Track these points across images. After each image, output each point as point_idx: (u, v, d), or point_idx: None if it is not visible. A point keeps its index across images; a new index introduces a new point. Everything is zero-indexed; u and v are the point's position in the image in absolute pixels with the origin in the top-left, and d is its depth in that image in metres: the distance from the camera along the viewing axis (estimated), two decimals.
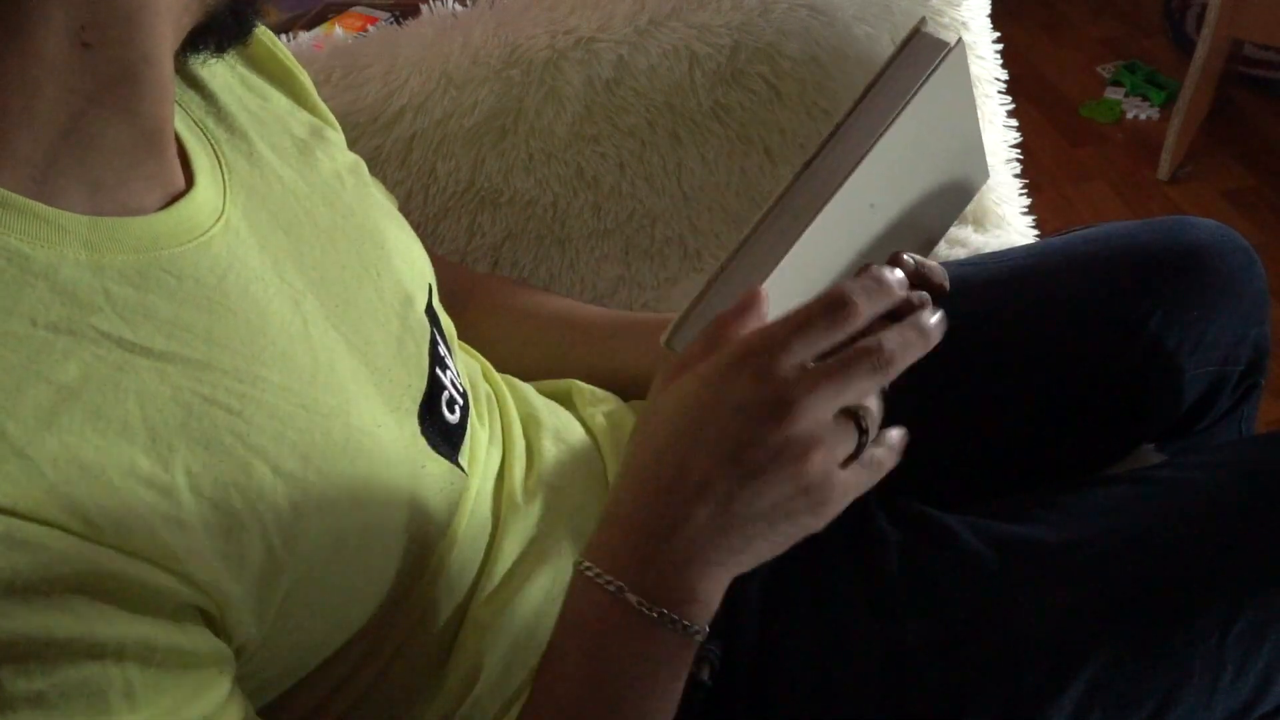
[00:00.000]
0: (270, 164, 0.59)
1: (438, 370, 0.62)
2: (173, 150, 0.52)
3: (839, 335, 0.48)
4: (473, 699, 0.60)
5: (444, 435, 0.60)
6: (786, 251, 0.52)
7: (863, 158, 0.53)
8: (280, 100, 0.65)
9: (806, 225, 0.52)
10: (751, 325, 0.49)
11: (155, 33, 0.46)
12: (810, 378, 0.46)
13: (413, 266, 0.66)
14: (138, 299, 0.46)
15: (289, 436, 0.49)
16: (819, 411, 0.47)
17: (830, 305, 0.47)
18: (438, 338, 0.64)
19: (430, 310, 0.65)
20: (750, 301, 0.49)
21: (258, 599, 0.47)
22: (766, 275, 0.51)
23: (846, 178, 0.53)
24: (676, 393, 0.49)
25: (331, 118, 0.70)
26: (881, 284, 0.49)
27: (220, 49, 0.54)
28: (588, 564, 0.50)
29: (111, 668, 0.41)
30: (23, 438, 0.40)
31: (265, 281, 0.52)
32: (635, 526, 0.49)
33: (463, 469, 0.61)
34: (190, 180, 0.52)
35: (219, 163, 0.55)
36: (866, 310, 0.48)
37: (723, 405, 0.47)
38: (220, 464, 0.46)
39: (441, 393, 0.61)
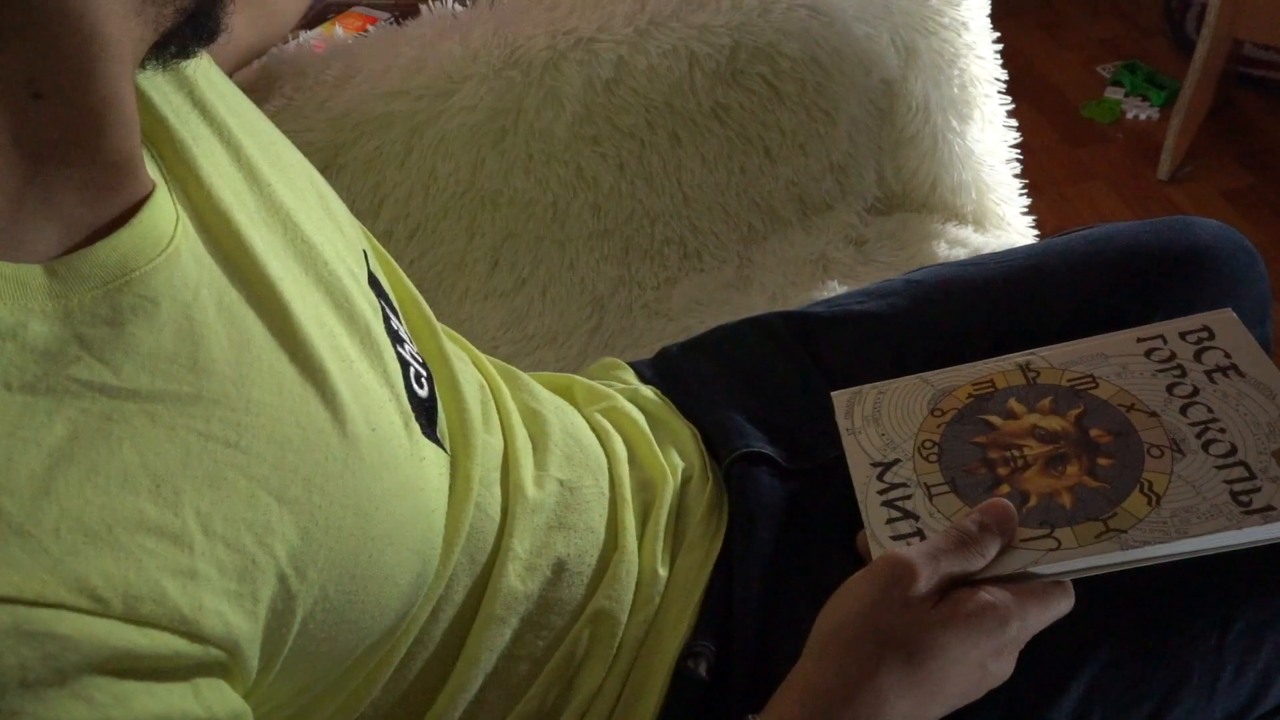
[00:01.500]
0: (203, 151, 0.55)
1: (398, 347, 0.60)
2: (143, 169, 0.49)
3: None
4: (479, 691, 0.60)
5: (423, 412, 0.59)
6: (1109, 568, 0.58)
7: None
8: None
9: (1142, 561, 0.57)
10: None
11: (111, 72, 0.44)
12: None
13: (344, 231, 0.62)
14: (114, 336, 0.44)
15: (289, 460, 0.48)
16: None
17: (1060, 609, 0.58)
18: (387, 311, 0.62)
19: (373, 281, 0.62)
20: (1059, 596, 0.57)
21: (272, 633, 0.46)
22: (1080, 573, 0.58)
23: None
24: (951, 628, 0.55)
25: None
26: None
27: (184, 54, 0.50)
28: None
29: None
30: (20, 513, 0.39)
31: (235, 290, 0.50)
32: (823, 691, 0.55)
33: (443, 446, 0.60)
34: (150, 185, 0.50)
35: (158, 162, 0.52)
36: None
37: (974, 656, 0.55)
38: (227, 500, 0.45)
39: (409, 369, 0.60)
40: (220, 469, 0.45)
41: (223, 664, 0.44)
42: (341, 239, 0.61)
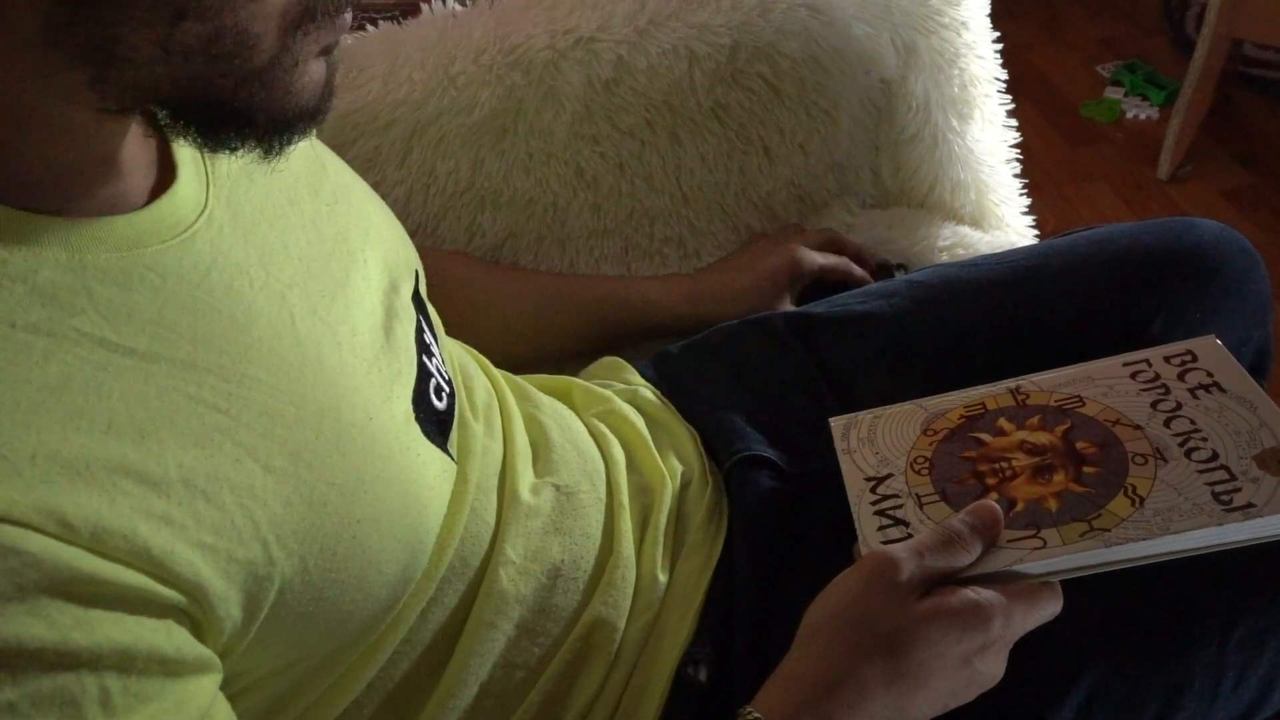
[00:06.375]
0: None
1: (424, 358, 0.62)
2: (132, 169, 0.50)
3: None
4: (475, 699, 0.60)
5: (435, 423, 0.60)
6: (1097, 568, 0.58)
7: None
8: None
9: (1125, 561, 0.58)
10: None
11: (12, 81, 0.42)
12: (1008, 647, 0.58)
13: (398, 252, 0.65)
14: (121, 298, 0.46)
15: (278, 434, 0.49)
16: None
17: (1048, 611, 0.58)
18: (423, 324, 0.64)
19: (416, 296, 0.65)
20: (1047, 598, 0.58)
21: (248, 597, 0.47)
22: (1067, 575, 0.59)
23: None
24: (934, 621, 0.55)
25: None
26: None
27: (212, 143, 0.47)
28: (754, 712, 0.56)
29: (87, 677, 0.40)
30: None
31: (250, 276, 0.52)
32: (810, 679, 0.56)
33: (452, 457, 0.61)
34: (174, 174, 0.52)
35: (201, 155, 0.54)
36: None
37: (957, 651, 0.56)
38: (211, 459, 0.46)
39: (429, 380, 0.61)
40: (208, 431, 0.46)
41: (192, 615, 0.45)
42: (396, 254, 0.65)
